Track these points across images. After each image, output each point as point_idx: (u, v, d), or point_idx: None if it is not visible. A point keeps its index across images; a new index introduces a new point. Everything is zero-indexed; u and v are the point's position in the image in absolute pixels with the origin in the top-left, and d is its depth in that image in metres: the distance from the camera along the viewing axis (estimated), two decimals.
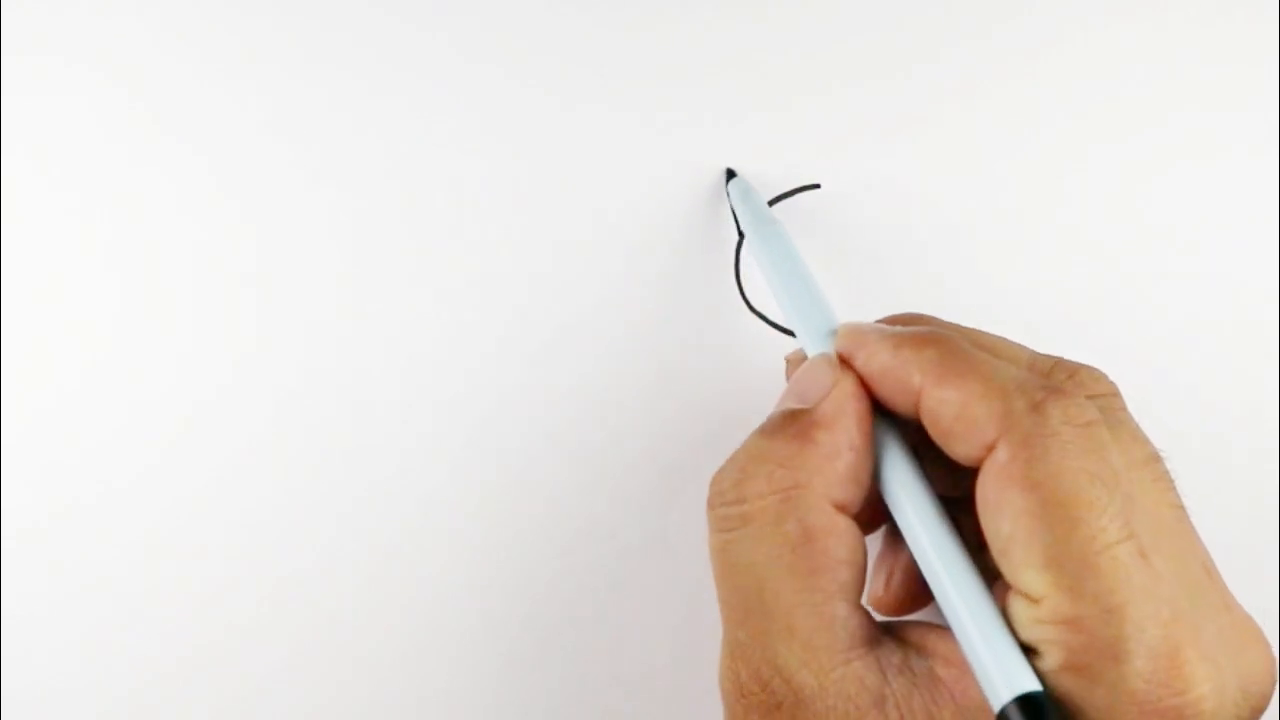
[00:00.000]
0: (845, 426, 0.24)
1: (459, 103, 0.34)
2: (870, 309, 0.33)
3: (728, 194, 0.33)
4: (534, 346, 0.33)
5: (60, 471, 0.32)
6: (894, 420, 0.25)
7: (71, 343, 0.33)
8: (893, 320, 0.28)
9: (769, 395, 0.33)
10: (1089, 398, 0.24)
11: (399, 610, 0.33)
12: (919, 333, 0.25)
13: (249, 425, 0.33)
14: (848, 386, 0.25)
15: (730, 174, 0.33)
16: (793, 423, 0.25)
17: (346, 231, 0.33)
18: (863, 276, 0.34)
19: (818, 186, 0.33)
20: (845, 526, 0.24)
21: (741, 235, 0.33)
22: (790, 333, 0.33)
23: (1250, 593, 0.33)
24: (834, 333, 0.26)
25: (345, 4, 0.33)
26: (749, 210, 0.31)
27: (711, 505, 0.25)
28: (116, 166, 0.33)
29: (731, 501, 0.24)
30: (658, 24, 0.34)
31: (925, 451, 0.25)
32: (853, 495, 0.24)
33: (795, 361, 0.29)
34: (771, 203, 0.33)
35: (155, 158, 0.33)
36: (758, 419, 0.33)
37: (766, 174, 0.33)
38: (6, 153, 0.33)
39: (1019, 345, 0.26)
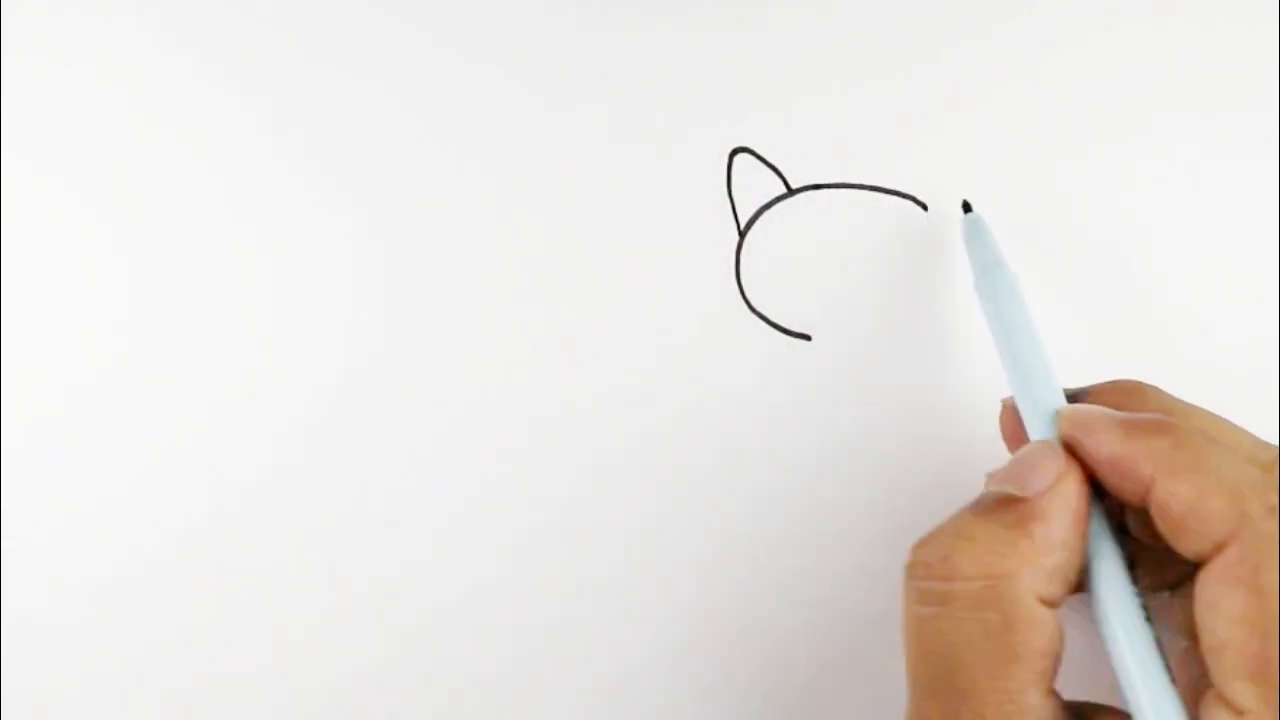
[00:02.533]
0: (1062, 524, 0.24)
1: (460, 103, 0.33)
2: (869, 311, 0.33)
3: (962, 230, 0.32)
4: (533, 347, 0.33)
5: (62, 475, 0.32)
6: (1107, 511, 0.25)
7: (71, 344, 0.33)
8: (1113, 389, 0.27)
9: (769, 395, 0.33)
10: None
11: (404, 614, 0.33)
12: (1149, 420, 0.25)
13: (252, 429, 0.33)
14: (1072, 484, 0.25)
15: (966, 207, 0.32)
16: (1009, 510, 0.24)
17: (346, 232, 0.33)
18: (861, 277, 0.34)
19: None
20: (1047, 618, 0.24)
21: (742, 235, 0.33)
22: (790, 333, 0.33)
23: None
24: (1057, 412, 0.26)
25: (345, 4, 0.33)
26: (981, 252, 0.31)
27: (913, 574, 0.25)
28: (119, 169, 0.33)
29: (937, 577, 0.24)
30: (658, 24, 0.34)
31: (1135, 538, 0.25)
32: (1059, 590, 0.24)
33: (1009, 409, 0.28)
34: (786, 193, 0.32)
35: (157, 158, 0.33)
36: (758, 418, 0.33)
37: (766, 174, 0.33)
38: (7, 153, 0.33)
39: (1240, 430, 0.26)
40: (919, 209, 0.33)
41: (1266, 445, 0.25)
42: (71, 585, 0.32)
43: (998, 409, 0.29)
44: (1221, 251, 0.34)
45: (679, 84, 0.34)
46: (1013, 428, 0.28)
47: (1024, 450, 0.26)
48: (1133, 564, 0.25)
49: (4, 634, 0.32)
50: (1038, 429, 0.26)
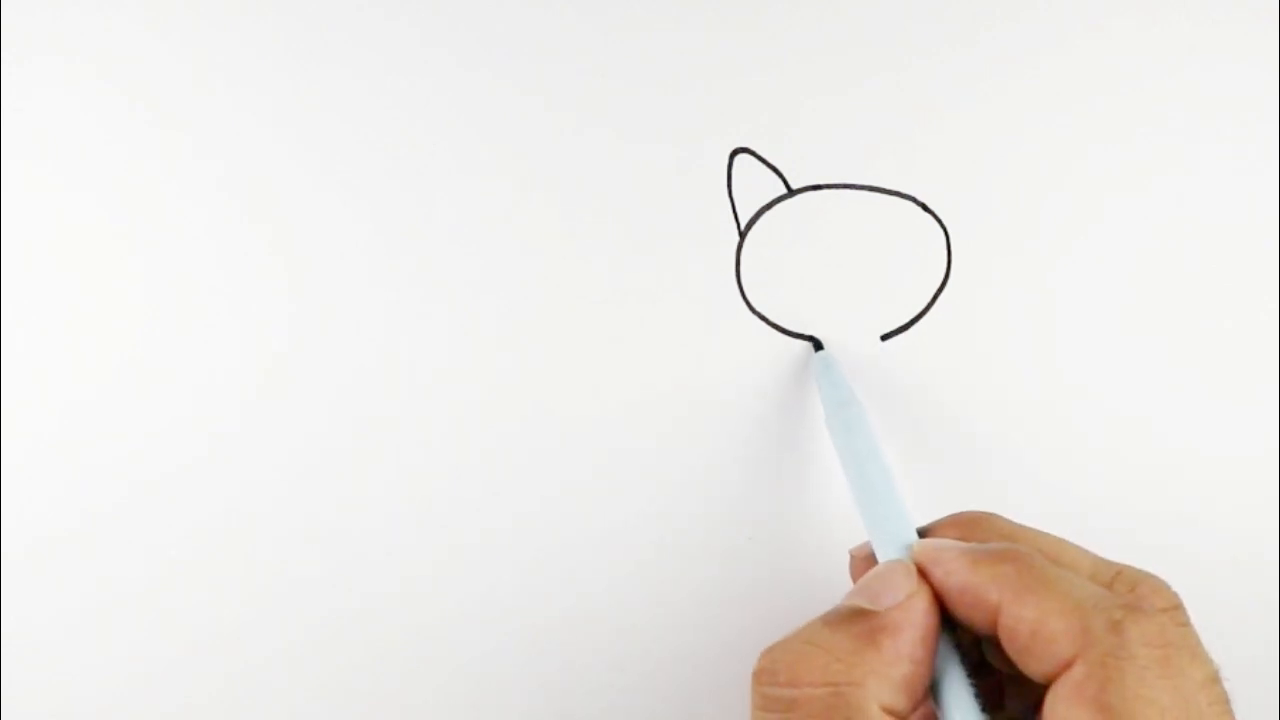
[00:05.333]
0: (911, 638, 0.25)
1: (460, 104, 0.33)
2: (869, 311, 0.33)
3: (812, 366, 0.33)
4: (533, 347, 0.33)
5: (65, 478, 0.32)
6: (955, 636, 0.26)
7: (74, 346, 0.33)
8: (957, 521, 0.28)
9: (769, 396, 0.33)
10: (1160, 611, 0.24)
11: (410, 615, 0.33)
12: (994, 549, 0.25)
13: (257, 430, 0.33)
14: (922, 601, 0.25)
15: (817, 345, 0.33)
16: (859, 621, 0.25)
17: (347, 233, 0.33)
18: (861, 277, 0.34)
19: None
20: None
21: (742, 235, 0.33)
22: (790, 333, 0.33)
23: (1250, 593, 0.33)
24: (909, 546, 0.27)
25: (351, 4, 0.33)
26: (832, 389, 0.31)
27: (759, 680, 0.25)
28: (120, 170, 0.33)
29: (782, 683, 0.24)
30: (659, 25, 0.34)
31: (982, 666, 0.26)
32: (904, 704, 0.24)
33: (860, 558, 0.29)
34: (758, 213, 0.32)
35: (158, 159, 0.33)
36: (758, 419, 0.33)
37: (766, 174, 0.33)
38: (7, 154, 0.33)
39: (1082, 550, 0.27)
40: (919, 209, 0.33)
41: (1108, 563, 0.26)
42: (74, 588, 0.32)
43: (847, 560, 0.30)
44: (1223, 253, 0.34)
45: (679, 85, 0.34)
46: (860, 574, 0.29)
47: (878, 568, 0.26)
48: (999, 692, 0.26)
49: (4, 635, 0.32)
50: (889, 555, 0.27)
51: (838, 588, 0.32)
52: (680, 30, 0.34)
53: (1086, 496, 0.33)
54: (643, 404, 0.33)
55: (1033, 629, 0.24)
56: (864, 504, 0.29)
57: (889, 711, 0.24)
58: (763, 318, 0.33)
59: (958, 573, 0.25)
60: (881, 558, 0.27)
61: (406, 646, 0.33)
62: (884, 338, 0.33)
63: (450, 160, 0.33)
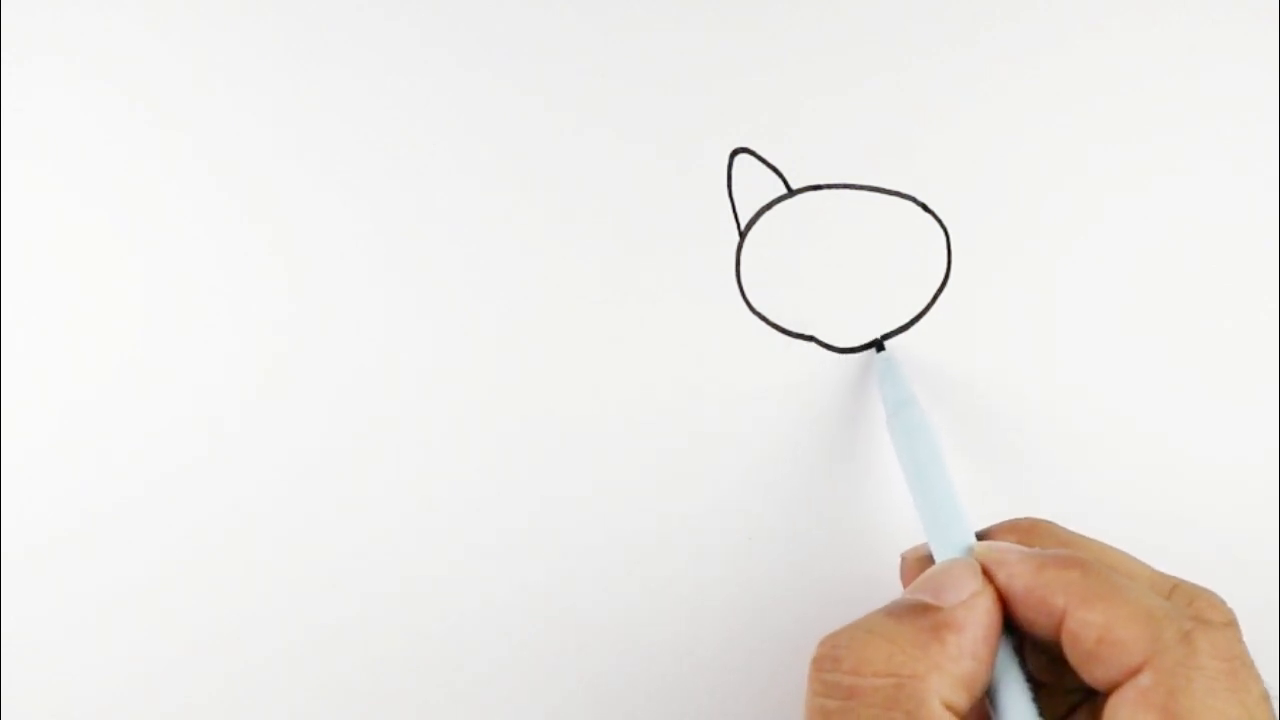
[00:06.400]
0: (975, 636, 0.25)
1: (460, 104, 0.33)
2: (869, 311, 0.33)
3: (875, 368, 0.33)
4: (533, 347, 0.33)
5: (66, 480, 0.32)
6: (1013, 641, 0.26)
7: (76, 347, 0.33)
8: (1015, 526, 0.28)
9: (769, 396, 0.33)
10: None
11: (411, 617, 0.33)
12: (1059, 555, 0.25)
13: (258, 432, 0.33)
14: (987, 600, 0.25)
15: (879, 347, 0.33)
16: (924, 615, 0.25)
17: (348, 234, 0.33)
18: (861, 277, 0.34)
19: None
20: None
21: (742, 235, 0.33)
22: (790, 333, 0.33)
23: (1251, 593, 0.33)
24: (969, 549, 0.27)
25: (351, 5, 0.33)
26: (893, 390, 0.31)
27: (820, 666, 0.25)
28: (120, 170, 0.33)
29: (845, 670, 0.25)
30: (659, 25, 0.34)
31: (1038, 671, 0.26)
32: (964, 702, 0.24)
33: (912, 560, 0.29)
34: (760, 213, 0.32)
35: (158, 159, 0.33)
36: (757, 419, 0.33)
37: (766, 174, 0.33)
38: (7, 154, 0.33)
39: (1137, 561, 0.27)
40: (919, 209, 0.33)
41: (1164, 576, 0.26)
42: (74, 588, 0.32)
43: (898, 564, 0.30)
44: (1223, 256, 0.34)
45: (680, 85, 0.34)
46: (910, 577, 0.29)
47: (943, 564, 0.26)
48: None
49: (4, 635, 0.32)
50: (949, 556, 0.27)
51: (839, 587, 0.32)
52: (680, 30, 0.34)
53: (1086, 496, 0.33)
54: (642, 404, 0.33)
55: (1100, 635, 0.24)
56: (924, 506, 0.28)
57: (949, 708, 0.24)
58: (763, 318, 0.33)
59: (1023, 575, 0.25)
60: (939, 556, 0.27)
61: (407, 648, 0.33)
62: (884, 337, 0.33)
63: (450, 160, 0.33)
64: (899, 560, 0.30)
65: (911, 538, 0.32)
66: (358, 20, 0.33)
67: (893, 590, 0.32)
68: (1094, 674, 0.24)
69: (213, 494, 0.33)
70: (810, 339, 0.33)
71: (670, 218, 0.33)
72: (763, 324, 0.33)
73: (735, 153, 0.33)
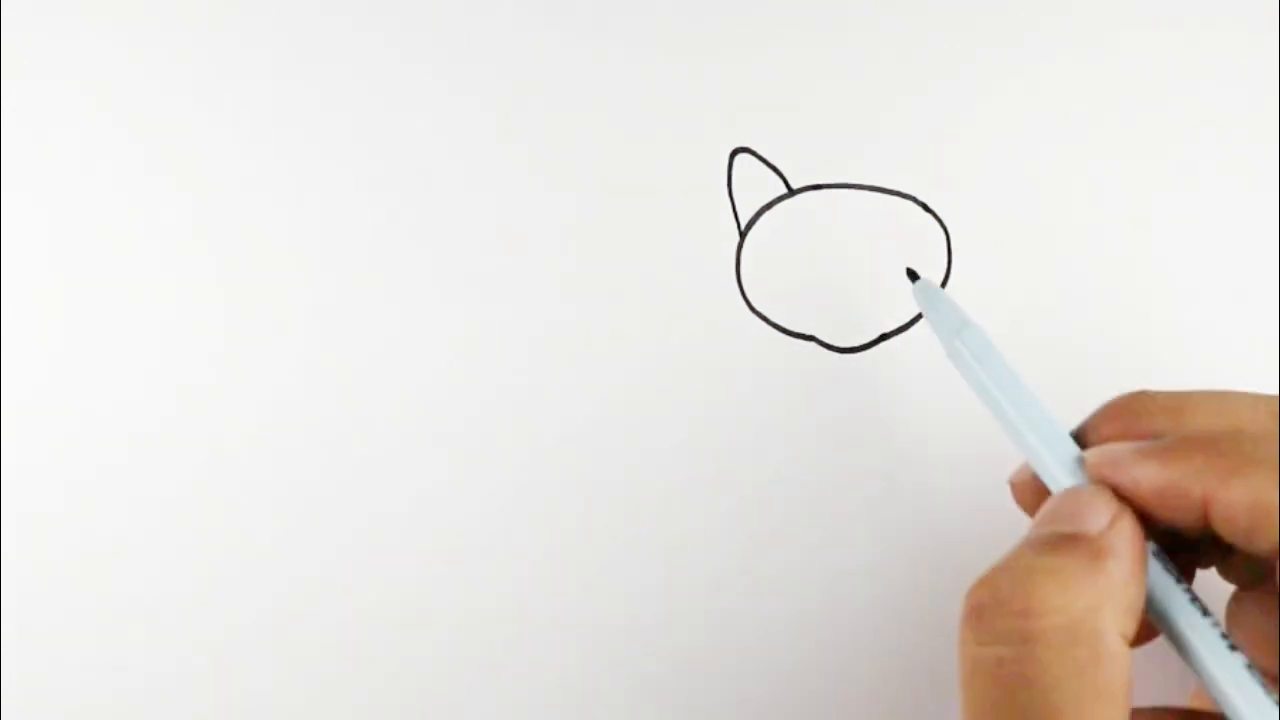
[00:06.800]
0: (1132, 558, 0.24)
1: (459, 104, 0.34)
2: (869, 311, 0.33)
3: (915, 297, 0.31)
4: (533, 348, 0.33)
5: (67, 481, 0.32)
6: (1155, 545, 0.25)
7: (76, 348, 0.33)
8: (1111, 415, 0.27)
9: (770, 396, 0.33)
10: None
11: (412, 619, 0.33)
12: (1178, 443, 0.24)
13: (259, 434, 0.33)
14: (1129, 519, 0.24)
15: (913, 276, 0.31)
16: (1079, 546, 0.24)
17: (348, 235, 0.33)
18: (861, 277, 0.34)
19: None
20: (1126, 656, 0.23)
21: (742, 235, 0.33)
22: (790, 333, 0.33)
23: None
24: (1075, 458, 0.26)
25: (344, 7, 0.33)
26: (941, 317, 0.30)
27: (982, 615, 0.23)
28: (120, 170, 0.33)
29: (1015, 613, 0.23)
30: (659, 24, 0.34)
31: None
32: (1132, 628, 0.24)
33: (1021, 484, 0.28)
34: (760, 212, 0.32)
35: (158, 160, 0.33)
36: (758, 419, 0.33)
37: (766, 174, 0.33)
38: (8, 154, 0.33)
39: (1239, 394, 0.25)
40: (919, 209, 0.34)
41: (1267, 397, 0.25)
42: (75, 588, 0.32)
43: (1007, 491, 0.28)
44: (1225, 263, 0.34)
45: (680, 84, 0.34)
46: (1031, 500, 0.27)
47: (1067, 493, 0.25)
48: None
49: (4, 635, 0.32)
50: (1064, 482, 0.26)
51: (840, 587, 0.32)
52: (681, 30, 0.34)
53: None
54: (642, 404, 0.33)
55: (1251, 509, 0.23)
56: (1012, 425, 0.27)
57: (1123, 637, 0.23)
58: (763, 317, 0.33)
59: (1148, 477, 0.24)
60: (1046, 476, 0.26)
61: (408, 649, 0.32)
62: (884, 337, 0.33)
63: (450, 161, 0.33)
64: (1008, 488, 0.28)
65: (912, 537, 0.32)
66: (359, 23, 0.34)
67: (894, 590, 0.32)
68: (1259, 546, 0.23)
69: (214, 494, 0.33)
70: (810, 339, 0.33)
71: (670, 218, 0.33)
72: (763, 324, 0.33)
73: (735, 153, 0.33)
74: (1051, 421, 0.26)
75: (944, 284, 0.33)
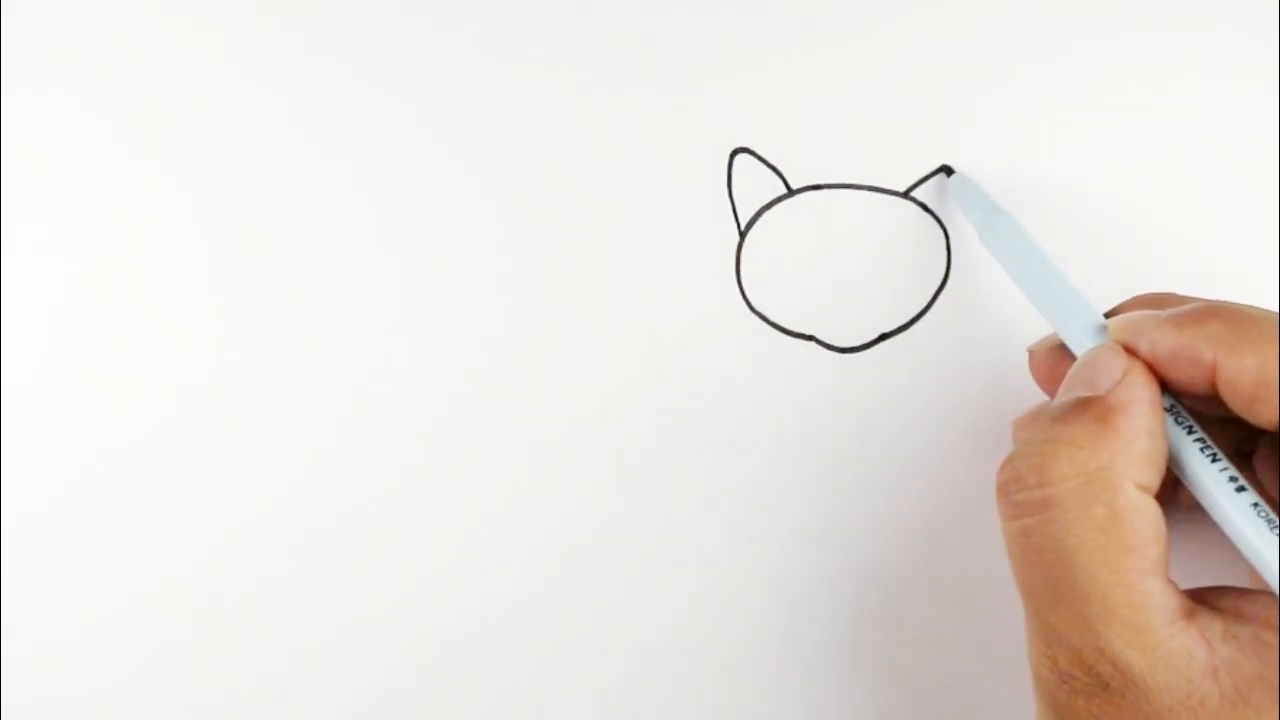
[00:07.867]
0: (1141, 411, 0.25)
1: (459, 104, 0.34)
2: (869, 311, 0.33)
3: (950, 191, 0.33)
4: (533, 348, 0.33)
5: (67, 482, 0.32)
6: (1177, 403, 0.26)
7: (77, 348, 0.33)
8: (1142, 300, 0.28)
9: (769, 395, 0.33)
10: None
11: (411, 620, 0.33)
12: (1196, 309, 0.25)
13: (258, 436, 0.33)
14: (1140, 373, 0.25)
15: (948, 171, 0.33)
16: (1088, 409, 0.25)
17: (347, 236, 0.33)
18: (861, 277, 0.34)
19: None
20: (1149, 504, 0.24)
21: (742, 235, 0.33)
22: (790, 333, 0.33)
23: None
24: (1101, 327, 0.27)
25: (348, 8, 0.33)
26: (975, 206, 0.32)
27: (1006, 492, 0.25)
28: (120, 170, 0.33)
29: (1033, 485, 0.24)
30: (659, 24, 0.34)
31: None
32: (1152, 478, 0.25)
33: (1040, 353, 0.29)
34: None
35: (158, 159, 0.33)
36: (758, 419, 0.33)
37: (766, 174, 0.33)
38: (8, 154, 0.33)
39: (1260, 309, 0.26)
40: (919, 209, 0.34)
41: None
42: (74, 588, 0.32)
43: (1025, 359, 0.30)
44: (1225, 254, 0.34)
45: (679, 84, 0.34)
46: (1047, 371, 0.29)
47: (1085, 356, 0.26)
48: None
49: (4, 635, 0.32)
50: (1087, 345, 0.27)
51: (840, 586, 0.32)
52: (680, 30, 0.34)
53: None
54: (642, 404, 0.33)
55: (1256, 377, 0.24)
56: (1043, 299, 0.29)
57: (1142, 489, 0.24)
58: (763, 317, 0.33)
59: (1165, 339, 0.25)
60: (1073, 343, 0.27)
61: (409, 650, 0.32)
62: (884, 337, 0.33)
63: (450, 161, 0.33)
64: (1026, 355, 0.30)
65: (914, 538, 0.32)
66: (359, 23, 0.34)
67: (896, 589, 0.32)
68: (1260, 415, 0.24)
69: (213, 494, 0.33)
70: (810, 339, 0.33)
71: (670, 218, 0.33)
72: (763, 324, 0.33)
73: (735, 153, 0.33)
74: (1077, 294, 0.28)
75: (944, 284, 0.33)
